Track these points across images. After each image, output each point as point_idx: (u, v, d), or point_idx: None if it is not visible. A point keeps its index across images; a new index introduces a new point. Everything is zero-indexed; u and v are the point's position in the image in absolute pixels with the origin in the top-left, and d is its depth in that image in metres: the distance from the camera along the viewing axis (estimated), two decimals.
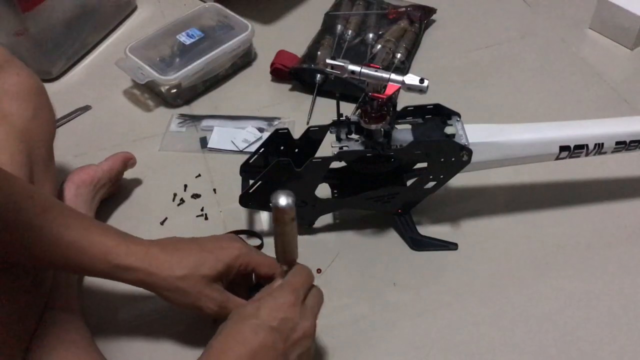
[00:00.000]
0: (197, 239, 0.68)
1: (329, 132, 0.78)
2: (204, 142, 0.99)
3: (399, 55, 1.09)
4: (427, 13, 1.19)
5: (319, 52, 1.09)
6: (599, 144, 0.79)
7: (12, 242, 0.59)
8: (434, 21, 1.21)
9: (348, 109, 0.98)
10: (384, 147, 0.74)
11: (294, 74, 1.06)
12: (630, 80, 1.08)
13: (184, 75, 1.01)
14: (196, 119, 1.02)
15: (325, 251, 0.83)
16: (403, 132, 0.77)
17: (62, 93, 1.08)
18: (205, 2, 1.18)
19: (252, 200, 0.79)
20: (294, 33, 1.18)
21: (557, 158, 0.79)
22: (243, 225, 0.87)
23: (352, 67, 0.70)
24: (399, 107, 0.76)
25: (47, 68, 1.09)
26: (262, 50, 1.15)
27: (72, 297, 0.74)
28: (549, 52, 1.15)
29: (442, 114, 0.78)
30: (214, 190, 0.92)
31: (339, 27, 1.14)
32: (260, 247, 0.83)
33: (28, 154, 0.71)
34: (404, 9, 1.17)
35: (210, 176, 0.94)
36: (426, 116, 0.79)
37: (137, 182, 0.93)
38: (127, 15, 1.23)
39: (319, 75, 1.04)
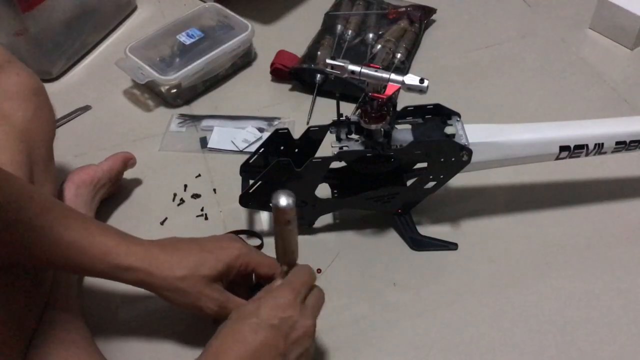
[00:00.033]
0: (197, 239, 0.68)
1: (329, 132, 0.78)
2: (204, 142, 0.99)
3: (399, 55, 1.09)
4: (427, 13, 1.19)
5: (319, 52, 1.09)
6: (599, 144, 0.79)
7: (12, 242, 0.59)
8: (434, 21, 1.21)
9: (348, 109, 0.98)
10: (384, 147, 0.74)
11: (294, 74, 1.06)
12: (630, 80, 1.08)
13: (184, 75, 1.01)
14: (196, 119, 1.02)
15: (325, 251, 0.83)
16: (403, 132, 0.77)
17: (62, 93, 1.08)
18: (205, 2, 1.18)
19: (252, 200, 0.79)
20: (294, 33, 1.18)
21: (557, 158, 0.79)
22: (243, 225, 0.87)
23: (352, 67, 0.70)
24: (399, 107, 0.76)
25: (47, 68, 1.09)
26: (262, 50, 1.15)
27: (72, 297, 0.74)
28: (549, 52, 1.15)
29: (442, 114, 0.78)
30: (214, 190, 0.92)
31: (339, 27, 1.14)
32: (260, 247, 0.83)
33: (28, 154, 0.71)
34: (404, 9, 1.17)
35: (210, 176, 0.94)
36: (426, 116, 0.79)
37: (137, 182, 0.93)
38: (127, 15, 1.23)
39: (319, 75, 1.04)
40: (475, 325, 0.76)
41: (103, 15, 1.17)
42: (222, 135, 0.99)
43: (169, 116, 1.03)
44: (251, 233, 0.85)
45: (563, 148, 0.78)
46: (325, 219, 0.86)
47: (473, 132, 0.76)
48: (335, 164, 0.77)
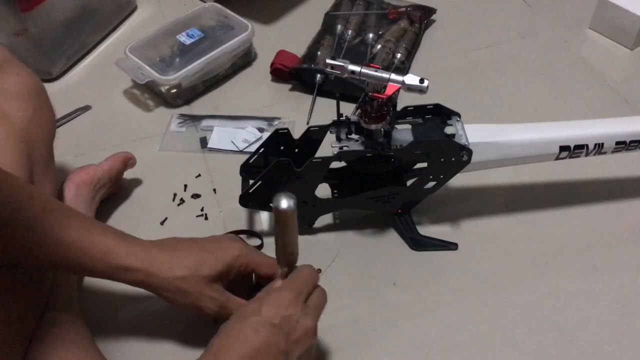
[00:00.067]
0: (197, 239, 0.68)
1: (329, 132, 0.78)
2: (204, 142, 0.99)
3: (399, 55, 1.09)
4: (427, 13, 1.19)
5: (319, 52, 1.09)
6: (599, 144, 0.79)
7: (12, 242, 0.59)
8: (434, 21, 1.21)
9: (348, 109, 0.98)
10: (384, 147, 0.74)
11: (294, 74, 1.06)
12: (630, 80, 1.08)
13: (184, 75, 1.01)
14: (196, 119, 1.02)
15: (325, 251, 0.83)
16: (403, 132, 0.77)
17: (62, 93, 1.08)
18: (205, 2, 1.18)
19: (252, 200, 0.79)
20: (294, 33, 1.18)
21: (557, 158, 0.79)
22: (243, 225, 0.87)
23: (352, 67, 0.70)
24: (399, 107, 0.76)
25: (47, 68, 1.09)
26: (262, 50, 1.15)
27: (72, 297, 0.74)
28: (549, 52, 1.15)
29: (442, 114, 0.78)
30: (214, 190, 0.92)
31: (339, 27, 1.14)
32: (260, 247, 0.83)
33: (28, 154, 0.71)
34: (404, 9, 1.17)
35: (210, 176, 0.94)
36: (426, 116, 0.79)
37: (137, 182, 0.93)
38: (127, 15, 1.23)
39: (319, 75, 1.04)
40: (475, 325, 0.76)
41: (103, 15, 1.17)
42: (222, 135, 0.99)
43: (169, 116, 1.03)
44: (251, 233, 0.85)
45: (563, 148, 0.78)
46: (325, 219, 0.86)
47: (473, 132, 0.76)
48: (335, 164, 0.77)
